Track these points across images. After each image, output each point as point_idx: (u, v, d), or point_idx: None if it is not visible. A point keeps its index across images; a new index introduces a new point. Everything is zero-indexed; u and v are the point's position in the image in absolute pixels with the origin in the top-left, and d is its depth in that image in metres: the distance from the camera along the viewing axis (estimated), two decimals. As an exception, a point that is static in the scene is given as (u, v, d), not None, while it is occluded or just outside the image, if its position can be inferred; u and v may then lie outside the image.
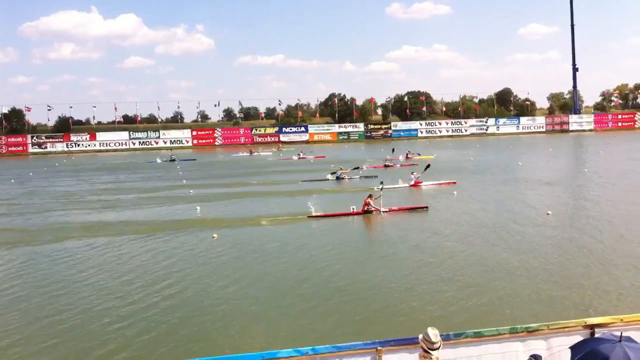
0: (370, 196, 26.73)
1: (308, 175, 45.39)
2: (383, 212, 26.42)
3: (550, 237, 20.77)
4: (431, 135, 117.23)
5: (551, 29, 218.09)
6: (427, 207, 27.68)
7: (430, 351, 6.25)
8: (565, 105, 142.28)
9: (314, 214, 26.10)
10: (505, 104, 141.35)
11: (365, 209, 26.31)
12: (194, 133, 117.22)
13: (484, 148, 74.99)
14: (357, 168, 46.28)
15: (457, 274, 16.17)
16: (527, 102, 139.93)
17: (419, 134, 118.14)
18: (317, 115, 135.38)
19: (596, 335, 6.76)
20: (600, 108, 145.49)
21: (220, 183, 43.52)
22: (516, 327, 7.10)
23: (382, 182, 29.37)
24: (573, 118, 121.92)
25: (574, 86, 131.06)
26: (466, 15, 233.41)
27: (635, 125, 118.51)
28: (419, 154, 61.85)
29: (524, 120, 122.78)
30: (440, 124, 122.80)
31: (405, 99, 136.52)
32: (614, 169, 43.20)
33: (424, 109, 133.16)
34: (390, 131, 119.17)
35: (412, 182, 36.61)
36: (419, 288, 15.01)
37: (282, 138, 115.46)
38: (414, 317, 12.81)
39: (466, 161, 55.89)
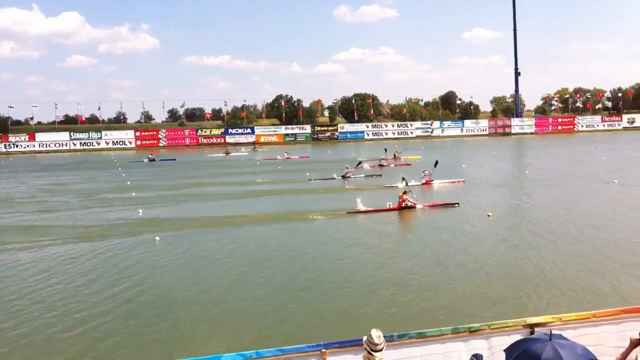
0: (404, 192, 28.17)
1: (308, 174, 46.05)
2: (419, 207, 27.82)
3: (489, 238, 21.14)
4: (377, 137, 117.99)
5: (495, 34, 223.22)
6: (458, 204, 28.62)
7: (374, 353, 6.22)
8: (508, 108, 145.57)
9: (354, 210, 27.38)
10: (450, 107, 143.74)
11: (403, 204, 27.39)
12: (138, 134, 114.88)
13: (430, 150, 75.94)
14: (359, 163, 49.51)
15: (400, 275, 16.24)
16: (471, 107, 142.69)
17: (366, 136, 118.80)
18: (264, 116, 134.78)
19: (531, 336, 6.82)
20: (541, 111, 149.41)
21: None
22: (458, 327, 7.12)
23: (404, 178, 31.39)
24: (515, 121, 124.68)
25: (516, 90, 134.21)
26: (412, 19, 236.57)
27: (575, 129, 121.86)
28: (406, 155, 62.89)
29: (467, 123, 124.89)
30: (386, 126, 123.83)
31: (353, 101, 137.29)
32: (554, 170, 44.35)
33: (371, 111, 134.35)
34: (336, 133, 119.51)
35: (424, 181, 37.61)
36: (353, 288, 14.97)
37: (228, 139, 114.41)
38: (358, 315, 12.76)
39: (415, 163, 56.16)
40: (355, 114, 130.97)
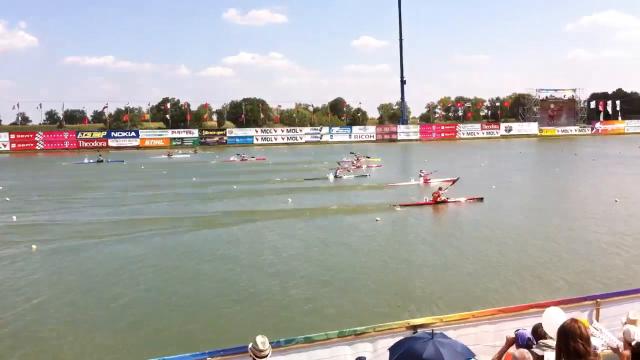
0: (440, 189, 31.29)
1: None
2: (451, 201, 30.46)
3: (379, 241, 21.63)
4: (267, 142, 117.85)
5: (382, 43, 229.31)
6: (482, 198, 31.09)
7: (258, 359, 6.16)
8: (394, 115, 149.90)
9: (395, 204, 29.87)
10: (339, 113, 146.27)
11: (437, 199, 30.17)
12: (12, 137, 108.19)
13: (320, 155, 76.86)
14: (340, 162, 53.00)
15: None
16: (359, 114, 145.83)
17: (255, 141, 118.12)
18: (148, 119, 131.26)
19: (414, 335, 6.98)
20: (425, 119, 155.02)
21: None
22: (344, 331, 7.17)
23: (458, 178, 34.30)
24: (401, 128, 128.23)
25: (402, 98, 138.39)
26: (301, 25, 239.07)
27: (457, 136, 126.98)
28: (368, 157, 63.80)
29: (355, 129, 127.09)
30: (275, 131, 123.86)
31: (242, 105, 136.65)
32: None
33: (261, 116, 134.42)
34: (225, 137, 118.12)
35: (423, 180, 39.73)
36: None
37: (111, 143, 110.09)
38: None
39: (301, 169, 56.66)
40: (244, 118, 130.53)
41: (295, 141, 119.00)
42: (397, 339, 6.68)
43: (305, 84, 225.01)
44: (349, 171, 49.98)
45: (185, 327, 12.75)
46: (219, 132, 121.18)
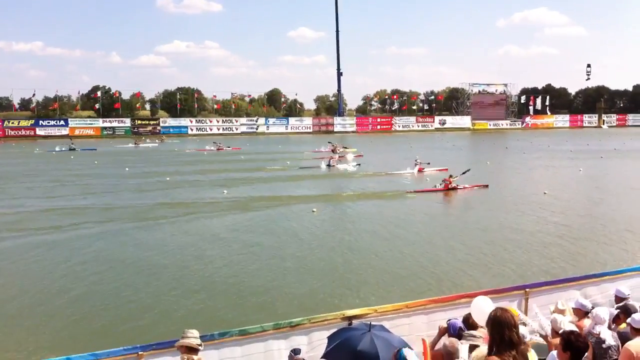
0: (450, 176, 33.08)
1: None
2: (460, 188, 32.55)
3: (319, 233, 21.66)
4: (202, 132, 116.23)
5: (319, 34, 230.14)
6: (487, 185, 33.60)
7: (190, 353, 6.06)
8: (331, 107, 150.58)
9: (410, 190, 32.60)
10: (275, 104, 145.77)
11: (449, 186, 32.25)
12: None
13: (254, 145, 76.53)
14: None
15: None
16: (298, 104, 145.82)
17: (190, 131, 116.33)
18: (79, 108, 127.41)
19: (353, 325, 6.99)
20: (362, 111, 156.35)
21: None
22: (280, 323, 7.13)
23: (468, 170, 34.71)
24: (337, 120, 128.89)
25: (339, 90, 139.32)
26: (237, 14, 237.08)
27: (392, 129, 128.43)
28: (345, 147, 64.22)
29: (292, 120, 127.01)
30: (211, 121, 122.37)
31: (176, 95, 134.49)
32: (373, 164, 46.62)
33: (195, 106, 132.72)
34: (159, 127, 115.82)
35: (417, 169, 41.80)
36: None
37: (39, 132, 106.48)
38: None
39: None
40: (178, 108, 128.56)
41: (231, 132, 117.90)
42: (332, 330, 6.67)
43: (241, 74, 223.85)
44: (338, 161, 50.72)
45: (119, 322, 12.47)
46: (152, 122, 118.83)
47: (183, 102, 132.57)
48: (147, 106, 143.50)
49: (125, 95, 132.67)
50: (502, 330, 4.90)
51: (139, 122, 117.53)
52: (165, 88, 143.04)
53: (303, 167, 47.52)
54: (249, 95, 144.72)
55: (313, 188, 34.55)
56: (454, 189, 32.33)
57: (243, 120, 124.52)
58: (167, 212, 26.12)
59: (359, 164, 47.78)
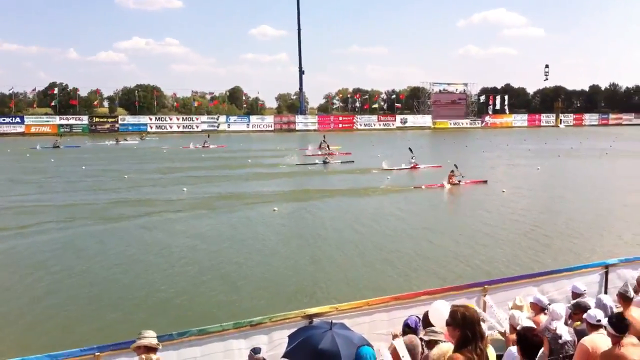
0: (452, 172, 34.22)
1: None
2: (462, 183, 33.84)
3: (279, 231, 21.61)
4: (161, 130, 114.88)
5: (280, 32, 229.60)
6: (486, 181, 34.81)
7: (147, 354, 5.99)
8: (293, 105, 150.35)
9: (418, 185, 33.59)
10: (236, 102, 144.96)
11: (451, 181, 33.58)
12: None
13: (214, 143, 76.09)
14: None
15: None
16: (260, 102, 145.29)
17: (149, 129, 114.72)
18: (35, 105, 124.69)
19: (314, 323, 6.97)
20: (323, 110, 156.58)
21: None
22: (240, 322, 7.08)
23: (456, 165, 35.56)
24: (299, 118, 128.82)
25: (300, 88, 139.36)
26: (198, 11, 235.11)
27: (354, 127, 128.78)
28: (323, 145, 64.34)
29: (253, 118, 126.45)
30: (171, 119, 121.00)
31: (135, 92, 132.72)
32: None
33: (155, 103, 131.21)
34: (117, 125, 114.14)
35: (412, 165, 42.75)
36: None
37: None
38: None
39: (199, 159, 55.90)
40: (137, 105, 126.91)
41: (191, 130, 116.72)
42: (293, 329, 6.64)
43: (202, 71, 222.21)
44: (329, 156, 51.64)
45: (75, 323, 12.23)
46: (110, 119, 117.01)
47: (142, 100, 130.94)
48: (106, 103, 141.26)
49: (83, 93, 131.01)
50: (474, 327, 4.95)
51: (97, 119, 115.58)
52: (124, 85, 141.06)
53: (299, 164, 48.73)
54: (210, 93, 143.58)
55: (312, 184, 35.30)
56: (456, 184, 33.55)
57: (204, 118, 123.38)
58: (138, 210, 25.76)
59: (352, 161, 49.43)
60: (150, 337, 6.02)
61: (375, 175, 39.61)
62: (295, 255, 17.93)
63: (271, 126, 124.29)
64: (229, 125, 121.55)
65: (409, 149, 45.02)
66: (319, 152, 57.40)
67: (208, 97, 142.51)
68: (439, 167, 41.48)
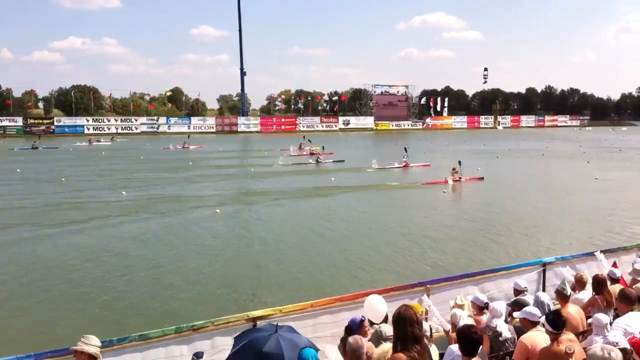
0: (454, 169, 36.31)
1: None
2: (463, 180, 35.94)
3: (220, 233, 21.41)
4: (99, 132, 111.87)
5: (221, 32, 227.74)
6: (483, 178, 37.19)
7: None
8: (235, 107, 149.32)
9: (423, 182, 35.74)
10: (177, 103, 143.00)
11: (454, 178, 35.48)
12: None
13: (155, 145, 75.03)
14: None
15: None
16: (198, 105, 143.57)
17: (86, 131, 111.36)
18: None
19: (258, 326, 6.93)
20: (266, 111, 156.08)
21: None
22: (182, 327, 6.99)
23: (460, 162, 37.58)
24: (241, 120, 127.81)
25: (242, 89, 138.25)
26: (137, 10, 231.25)
27: (297, 129, 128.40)
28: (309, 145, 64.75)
29: (195, 120, 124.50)
30: (109, 120, 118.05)
31: (71, 93, 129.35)
32: (273, 166, 46.92)
33: (92, 104, 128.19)
34: (53, 127, 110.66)
35: (403, 164, 44.91)
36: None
37: None
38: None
39: (140, 161, 55.21)
40: (73, 107, 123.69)
41: (130, 131, 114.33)
42: (237, 333, 6.57)
43: (141, 72, 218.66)
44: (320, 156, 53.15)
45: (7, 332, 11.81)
46: (45, 121, 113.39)
47: (79, 101, 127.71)
48: (41, 104, 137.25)
49: (17, 93, 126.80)
50: (405, 327, 5.00)
51: (32, 121, 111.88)
52: (60, 86, 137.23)
53: (295, 163, 50.53)
54: (149, 95, 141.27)
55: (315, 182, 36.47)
56: (457, 180, 35.43)
57: (143, 119, 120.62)
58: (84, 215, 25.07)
59: (343, 160, 51.52)
60: (94, 346, 5.82)
61: (371, 173, 41.94)
62: (240, 257, 17.83)
63: (213, 128, 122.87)
64: (169, 126, 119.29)
65: (404, 148, 48.24)
66: (303, 153, 59.91)
67: (147, 97, 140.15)
68: (427, 166, 44.98)
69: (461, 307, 7.80)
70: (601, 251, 10.26)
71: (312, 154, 57.18)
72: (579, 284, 8.75)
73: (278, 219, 24.60)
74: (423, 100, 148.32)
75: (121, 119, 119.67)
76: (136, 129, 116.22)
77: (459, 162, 37.04)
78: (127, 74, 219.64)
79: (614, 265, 9.64)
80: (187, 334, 6.95)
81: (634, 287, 8.20)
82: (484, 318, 7.49)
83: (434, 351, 6.13)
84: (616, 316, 7.40)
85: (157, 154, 64.14)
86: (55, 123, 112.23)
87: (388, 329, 6.18)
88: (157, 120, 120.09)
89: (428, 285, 8.68)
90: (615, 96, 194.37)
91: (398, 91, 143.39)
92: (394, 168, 44.47)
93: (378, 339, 6.20)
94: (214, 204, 27.62)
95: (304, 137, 67.79)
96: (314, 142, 63.13)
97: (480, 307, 7.77)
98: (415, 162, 46.05)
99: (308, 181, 37.15)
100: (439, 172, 38.71)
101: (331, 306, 7.90)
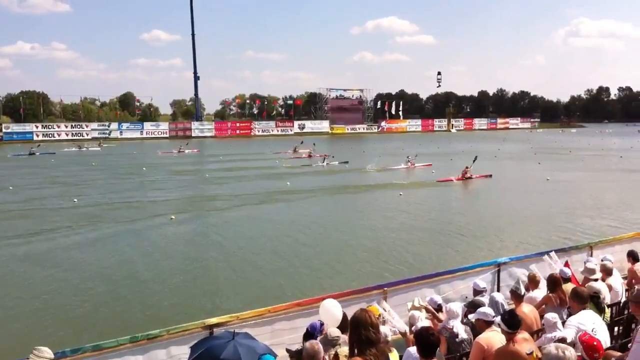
0: (467, 167, 38.51)
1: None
2: (474, 177, 38.11)
3: (176, 240, 21.13)
4: (49, 138, 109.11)
5: (174, 37, 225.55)
6: (491, 175, 39.32)
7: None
8: (188, 112, 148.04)
9: (438, 179, 37.96)
10: (129, 109, 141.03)
11: (466, 176, 37.77)
12: None
13: (108, 154, 73.79)
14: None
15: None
16: (151, 109, 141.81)
17: (35, 137, 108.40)
18: None
19: (215, 334, 6.85)
20: (220, 116, 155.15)
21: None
22: (137, 336, 6.87)
23: (476, 157, 40.56)
24: (195, 125, 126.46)
25: (196, 94, 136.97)
26: (87, 15, 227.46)
27: (252, 133, 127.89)
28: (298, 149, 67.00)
29: (147, 125, 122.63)
30: (59, 127, 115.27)
31: (20, 99, 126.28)
32: (230, 171, 46.23)
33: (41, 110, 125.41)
34: (1, 134, 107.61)
35: (409, 164, 47.25)
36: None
37: None
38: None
39: (92, 168, 54.09)
40: (22, 113, 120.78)
41: (81, 137, 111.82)
42: (193, 342, 6.48)
43: (91, 77, 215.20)
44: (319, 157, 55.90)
45: None
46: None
47: (27, 107, 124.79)
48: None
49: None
50: (359, 330, 5.02)
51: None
52: (8, 92, 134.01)
53: (304, 164, 52.78)
54: (100, 100, 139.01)
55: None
56: (470, 178, 37.57)
57: (94, 125, 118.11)
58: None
59: (347, 162, 53.10)
60: (47, 359, 5.67)
61: (374, 174, 43.69)
62: (196, 264, 17.63)
63: (166, 133, 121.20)
64: (121, 132, 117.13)
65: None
66: (303, 155, 61.58)
67: (98, 103, 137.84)
68: (429, 166, 47.35)
69: (419, 309, 7.85)
70: (554, 250, 10.47)
71: (310, 156, 59.54)
72: (532, 283, 8.92)
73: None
74: (378, 104, 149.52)
75: (71, 125, 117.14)
76: (87, 135, 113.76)
77: (474, 160, 39.41)
78: (77, 79, 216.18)
79: (566, 264, 9.84)
80: (142, 344, 6.83)
81: (586, 285, 8.37)
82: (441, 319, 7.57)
83: (394, 355, 6.14)
84: (569, 315, 7.54)
85: (157, 159, 63.88)
86: (4, 130, 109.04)
87: (336, 332, 6.20)
88: (108, 126, 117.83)
89: (385, 289, 8.72)
90: (565, 98, 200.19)
91: (353, 95, 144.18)
92: (399, 168, 46.87)
93: (326, 343, 6.18)
94: (169, 211, 27.25)
95: (301, 142, 70.76)
96: (307, 144, 65.80)
97: (435, 309, 7.86)
98: (419, 162, 48.49)
99: (333, 180, 39.76)
100: (440, 172, 41.43)
101: (289, 311, 7.87)
